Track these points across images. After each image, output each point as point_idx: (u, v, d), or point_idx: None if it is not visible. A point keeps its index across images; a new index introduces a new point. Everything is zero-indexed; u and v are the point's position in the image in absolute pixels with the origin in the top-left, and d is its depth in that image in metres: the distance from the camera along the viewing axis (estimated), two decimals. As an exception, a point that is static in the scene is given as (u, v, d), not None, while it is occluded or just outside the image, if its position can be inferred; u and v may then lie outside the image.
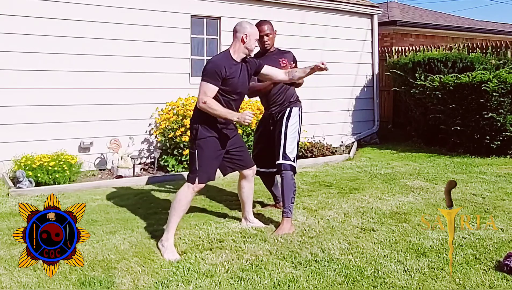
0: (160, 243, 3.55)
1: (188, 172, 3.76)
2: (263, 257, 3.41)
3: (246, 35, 3.65)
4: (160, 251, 3.49)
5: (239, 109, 3.88)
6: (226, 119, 3.63)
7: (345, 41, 9.02)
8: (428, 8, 24.45)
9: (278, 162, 4.09)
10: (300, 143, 7.41)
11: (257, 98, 6.88)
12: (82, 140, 6.53)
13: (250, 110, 6.49)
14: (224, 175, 4.08)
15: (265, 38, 4.18)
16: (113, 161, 6.60)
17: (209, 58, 3.88)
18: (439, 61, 8.10)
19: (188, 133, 6.21)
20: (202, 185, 3.66)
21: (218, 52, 7.38)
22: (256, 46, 3.81)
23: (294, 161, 4.11)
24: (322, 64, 3.80)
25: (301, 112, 4.31)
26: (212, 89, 3.55)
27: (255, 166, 4.05)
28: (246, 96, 4.07)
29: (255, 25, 4.08)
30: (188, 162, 6.35)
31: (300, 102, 4.36)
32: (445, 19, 14.64)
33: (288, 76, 3.95)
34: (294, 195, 4.10)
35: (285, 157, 4.07)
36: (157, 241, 3.65)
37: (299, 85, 4.30)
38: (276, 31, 4.29)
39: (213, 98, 3.56)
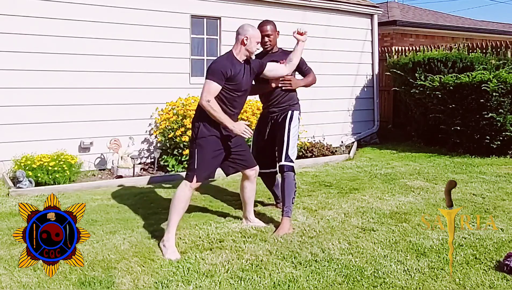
0: (162, 243, 3.56)
1: (186, 170, 3.79)
2: (263, 257, 3.41)
3: (247, 37, 3.71)
4: (162, 251, 3.49)
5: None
6: (222, 124, 3.64)
7: (345, 41, 9.02)
8: (428, 8, 24.48)
9: (281, 163, 4.12)
10: (300, 143, 7.49)
11: (257, 98, 6.93)
12: (82, 140, 6.53)
13: (245, 121, 6.53)
14: (227, 175, 4.12)
15: (266, 38, 4.18)
16: (113, 161, 6.60)
17: (210, 58, 3.93)
18: (439, 61, 8.10)
19: (188, 133, 6.27)
20: (199, 183, 3.70)
21: (218, 52, 7.42)
22: (258, 49, 3.87)
23: (293, 162, 4.16)
24: (298, 31, 4.13)
25: (299, 114, 4.34)
26: (216, 88, 3.61)
27: (257, 166, 4.06)
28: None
29: (258, 25, 4.13)
30: (187, 161, 6.43)
31: (299, 105, 4.37)
32: (445, 19, 14.63)
33: (288, 67, 4.09)
34: (295, 195, 4.12)
35: (287, 158, 4.09)
36: (158, 241, 3.66)
37: (310, 83, 4.35)
38: (278, 32, 4.27)
39: (218, 95, 3.62)
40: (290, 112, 4.22)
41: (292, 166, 4.10)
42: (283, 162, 4.10)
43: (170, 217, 3.61)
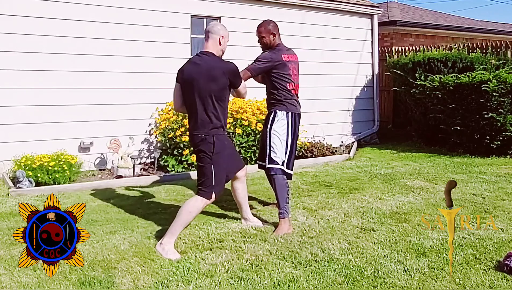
0: (160, 246, 3.51)
1: (199, 186, 3.65)
2: (263, 257, 3.41)
3: (222, 36, 3.72)
4: (161, 253, 3.47)
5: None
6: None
7: (345, 41, 9.02)
8: (428, 8, 24.49)
9: (266, 166, 4.13)
10: (300, 143, 7.47)
11: (258, 98, 6.94)
12: (82, 140, 6.53)
13: (244, 120, 6.54)
14: None
15: (259, 40, 4.24)
16: (113, 161, 6.61)
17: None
18: (439, 61, 8.10)
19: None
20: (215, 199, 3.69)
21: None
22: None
23: (283, 165, 4.09)
24: None
25: (291, 114, 4.14)
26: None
27: (246, 167, 4.07)
28: None
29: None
30: (187, 163, 6.43)
31: (293, 104, 4.17)
32: (445, 19, 14.64)
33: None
34: (288, 195, 4.09)
35: (270, 161, 4.08)
36: (157, 241, 3.65)
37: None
38: (274, 33, 4.19)
39: (225, 96, 3.66)
40: (273, 113, 4.16)
41: (280, 168, 4.06)
42: (267, 165, 4.10)
43: (175, 226, 3.55)
